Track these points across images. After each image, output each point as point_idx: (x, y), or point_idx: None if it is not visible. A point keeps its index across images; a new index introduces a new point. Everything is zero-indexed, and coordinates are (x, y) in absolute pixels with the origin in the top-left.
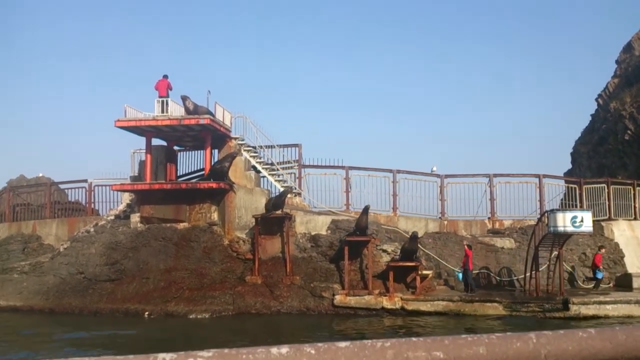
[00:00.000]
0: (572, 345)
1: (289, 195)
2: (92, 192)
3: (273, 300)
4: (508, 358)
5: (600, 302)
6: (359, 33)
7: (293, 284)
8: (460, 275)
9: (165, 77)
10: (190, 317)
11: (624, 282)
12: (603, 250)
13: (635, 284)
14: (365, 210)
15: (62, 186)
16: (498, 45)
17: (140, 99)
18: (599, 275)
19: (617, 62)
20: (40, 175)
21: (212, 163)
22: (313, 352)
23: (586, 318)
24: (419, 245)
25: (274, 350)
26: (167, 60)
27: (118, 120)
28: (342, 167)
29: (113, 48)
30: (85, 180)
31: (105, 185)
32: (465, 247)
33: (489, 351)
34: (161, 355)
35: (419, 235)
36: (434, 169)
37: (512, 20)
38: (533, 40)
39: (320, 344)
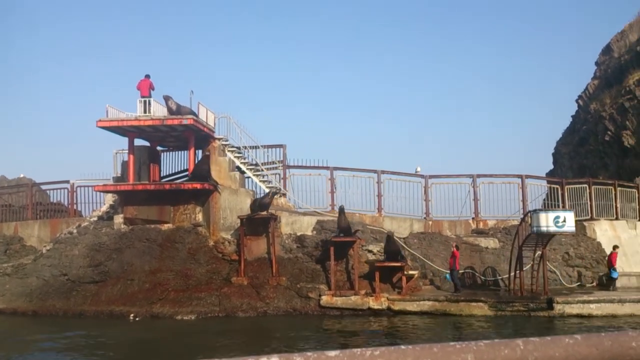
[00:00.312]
0: (558, 352)
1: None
2: (75, 193)
3: (259, 301)
4: None
5: (584, 302)
6: (350, 33)
7: (279, 284)
8: (449, 276)
9: (147, 76)
10: (176, 318)
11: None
12: (618, 250)
13: (617, 283)
14: (341, 210)
15: (43, 187)
16: (481, 46)
17: (123, 100)
18: (614, 275)
19: (596, 63)
20: (22, 176)
21: (196, 163)
22: None
23: (570, 317)
24: (404, 245)
25: (264, 359)
26: (150, 60)
27: (100, 121)
28: (327, 168)
29: (95, 49)
30: (68, 181)
31: (88, 186)
32: (454, 248)
33: (477, 358)
34: None
35: (405, 235)
36: (418, 169)
37: (494, 21)
38: (515, 41)
39: (309, 353)
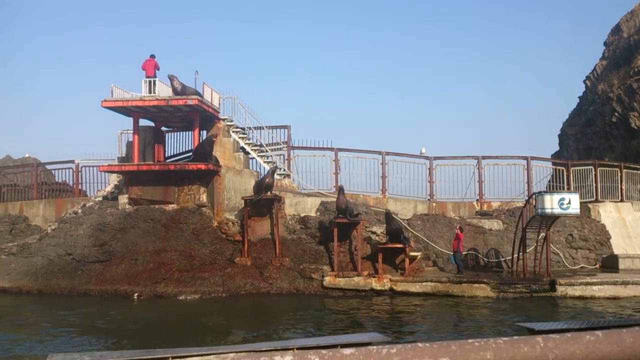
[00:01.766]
0: (579, 349)
1: (277, 177)
2: (80, 173)
3: (263, 281)
4: None
5: (586, 283)
6: (352, 10)
7: (282, 265)
8: (452, 258)
9: (153, 56)
10: (180, 298)
11: (610, 264)
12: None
13: (621, 265)
14: (340, 189)
15: (48, 167)
16: (487, 26)
17: (128, 80)
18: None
19: (605, 44)
20: (27, 155)
21: (198, 144)
22: (317, 359)
23: (573, 299)
24: (407, 227)
25: (277, 358)
26: (155, 40)
27: (105, 101)
28: (331, 149)
29: (100, 27)
30: (72, 161)
31: (93, 166)
32: (458, 230)
33: (497, 356)
34: None
35: (408, 217)
36: (423, 150)
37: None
38: (523, 21)
39: (324, 351)
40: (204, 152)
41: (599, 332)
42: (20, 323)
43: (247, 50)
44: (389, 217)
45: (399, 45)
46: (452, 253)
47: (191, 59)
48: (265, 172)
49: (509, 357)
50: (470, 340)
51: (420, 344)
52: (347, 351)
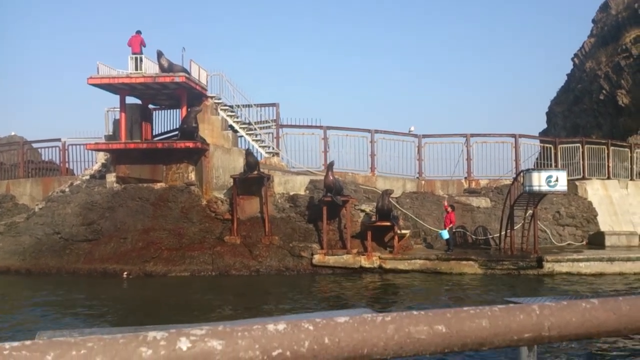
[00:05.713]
0: (575, 317)
1: (265, 155)
2: (66, 152)
3: (252, 260)
4: (511, 331)
5: (573, 260)
6: None
7: (272, 244)
8: (444, 233)
9: (139, 32)
10: (170, 276)
11: (596, 240)
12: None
13: (607, 242)
14: (330, 166)
15: (35, 145)
16: (476, 5)
17: (115, 57)
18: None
19: (593, 21)
20: (13, 134)
21: (182, 120)
22: (311, 328)
23: (559, 275)
24: (396, 205)
25: (271, 326)
26: (141, 16)
27: (91, 78)
28: (320, 127)
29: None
30: (59, 139)
31: (80, 145)
32: (449, 208)
33: (492, 324)
34: (152, 334)
35: (397, 195)
36: (412, 129)
37: None
38: None
39: (318, 320)
40: (190, 129)
41: (594, 300)
42: (9, 302)
43: (235, 25)
44: (384, 195)
45: (390, 20)
46: (442, 230)
47: (178, 36)
48: (255, 152)
49: (504, 325)
50: (465, 308)
51: (415, 312)
52: (342, 319)
